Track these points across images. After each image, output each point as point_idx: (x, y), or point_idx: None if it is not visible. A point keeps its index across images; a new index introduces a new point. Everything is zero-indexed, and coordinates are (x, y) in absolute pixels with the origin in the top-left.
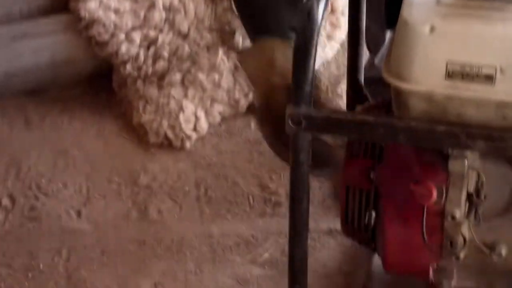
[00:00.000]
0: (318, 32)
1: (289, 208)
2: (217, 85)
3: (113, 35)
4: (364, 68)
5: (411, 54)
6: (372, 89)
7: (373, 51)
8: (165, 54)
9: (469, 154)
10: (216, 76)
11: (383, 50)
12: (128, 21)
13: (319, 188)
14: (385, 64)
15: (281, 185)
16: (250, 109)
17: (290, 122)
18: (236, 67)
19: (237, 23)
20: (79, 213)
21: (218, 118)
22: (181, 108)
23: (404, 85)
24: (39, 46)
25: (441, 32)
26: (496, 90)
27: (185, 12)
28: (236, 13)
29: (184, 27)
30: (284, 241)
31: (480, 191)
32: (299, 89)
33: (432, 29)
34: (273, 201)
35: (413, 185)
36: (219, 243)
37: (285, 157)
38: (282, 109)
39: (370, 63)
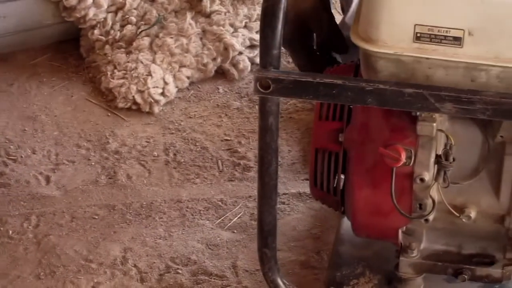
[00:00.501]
0: None
1: (258, 172)
2: (185, 50)
3: (80, 0)
4: None
5: (379, 17)
6: None
7: (345, 10)
8: (133, 19)
9: (438, 117)
10: (184, 41)
11: (353, 9)
12: None
13: (288, 151)
14: (353, 27)
15: (250, 149)
16: (218, 73)
17: (258, 85)
18: (204, 32)
19: None
20: (48, 179)
21: (186, 83)
22: (149, 73)
23: (372, 48)
24: (7, 11)
25: None
26: (464, 52)
27: None
28: None
29: None
30: (253, 205)
31: (449, 154)
32: (267, 53)
33: None
34: (242, 165)
35: (382, 147)
36: (188, 208)
37: (299, 60)
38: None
39: (342, 22)
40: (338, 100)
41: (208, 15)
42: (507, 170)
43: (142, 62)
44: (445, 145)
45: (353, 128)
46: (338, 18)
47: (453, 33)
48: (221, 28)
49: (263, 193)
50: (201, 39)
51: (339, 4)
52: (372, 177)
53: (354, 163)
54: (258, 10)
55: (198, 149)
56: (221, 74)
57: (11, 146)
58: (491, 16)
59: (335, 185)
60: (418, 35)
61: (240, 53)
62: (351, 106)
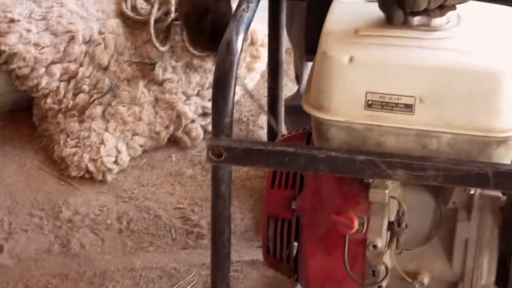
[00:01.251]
0: (238, 64)
1: (211, 240)
2: (138, 118)
3: (33, 69)
4: (290, 97)
5: (331, 85)
6: (296, 119)
7: (300, 79)
8: (86, 87)
9: (390, 183)
10: (137, 109)
11: (305, 79)
12: (48, 55)
13: (241, 219)
14: (305, 95)
15: (203, 217)
16: (171, 141)
17: (210, 153)
18: (156, 100)
19: (157, 56)
20: (1, 248)
21: (139, 151)
22: (102, 141)
23: (324, 116)
24: None
25: (360, 63)
26: (415, 119)
27: (105, 45)
28: None
29: (104, 60)
30: (206, 273)
31: (401, 220)
32: (219, 121)
33: (351, 60)
34: (195, 233)
35: (334, 215)
36: (142, 276)
37: (202, 44)
38: None
39: (297, 92)
40: (290, 167)
41: (160, 83)
42: (459, 236)
43: (95, 131)
44: (398, 211)
45: (305, 196)
46: (290, 86)
47: (404, 100)
48: (174, 96)
49: (216, 261)
50: (153, 107)
51: (294, 73)
52: (325, 244)
53: (307, 231)
54: (210, 78)
55: (151, 217)
56: (173, 142)
57: None
58: (441, 83)
59: (288, 253)
60: (370, 102)
61: (193, 121)
62: (303, 174)
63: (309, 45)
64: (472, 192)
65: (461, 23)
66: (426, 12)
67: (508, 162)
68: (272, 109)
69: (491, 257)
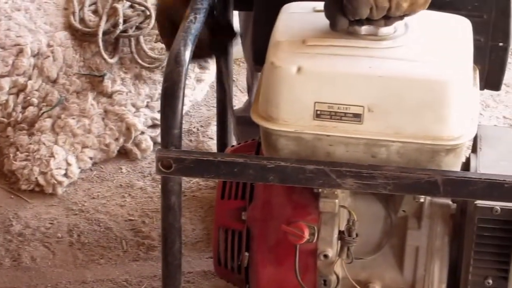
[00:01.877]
0: (186, 75)
1: (162, 252)
2: (88, 131)
3: None
4: (240, 108)
5: (279, 95)
6: (246, 130)
7: (251, 90)
8: (35, 100)
9: (340, 193)
10: (86, 122)
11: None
12: None
13: (192, 230)
14: (254, 106)
15: (154, 228)
16: (121, 153)
17: (160, 165)
18: (106, 112)
19: (106, 68)
20: None
21: (89, 163)
22: (52, 154)
23: (272, 127)
24: None
25: (308, 73)
26: (364, 128)
27: (54, 58)
28: None
29: (53, 73)
30: (158, 285)
31: (351, 230)
32: (168, 132)
33: (299, 70)
34: (146, 244)
35: (285, 225)
36: None
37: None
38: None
39: (248, 103)
40: (240, 178)
41: (109, 95)
42: (410, 244)
43: (44, 144)
44: (348, 221)
45: (255, 206)
46: (240, 97)
47: (353, 110)
48: (123, 108)
49: (168, 273)
50: (103, 119)
51: (243, 84)
52: (276, 254)
53: (258, 241)
54: (159, 90)
55: (102, 230)
56: (123, 154)
57: None
58: (389, 92)
59: (239, 264)
60: (318, 112)
61: (142, 132)
62: (253, 184)
63: (257, 56)
64: (422, 200)
65: (408, 32)
66: (372, 22)
67: (458, 169)
68: (221, 120)
69: (442, 264)
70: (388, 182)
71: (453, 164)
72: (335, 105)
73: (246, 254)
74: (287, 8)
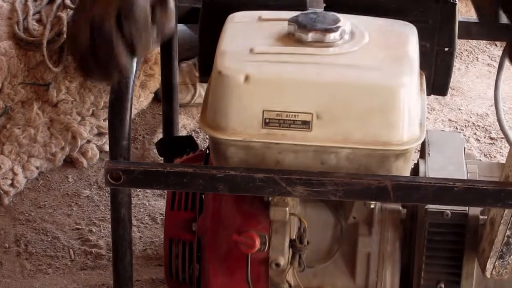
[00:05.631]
0: (133, 86)
1: (112, 264)
2: (33, 140)
3: None
4: None
5: (227, 104)
6: None
7: None
8: None
9: (290, 201)
10: (32, 131)
11: None
12: None
13: (139, 238)
14: (202, 115)
15: (101, 237)
16: (67, 162)
17: (109, 177)
18: (51, 121)
19: (51, 77)
20: None
21: (35, 173)
22: None
23: (221, 136)
24: None
25: (256, 81)
26: (313, 135)
27: None
28: None
29: None
30: None
31: (302, 237)
32: (117, 144)
33: (247, 78)
34: (94, 253)
35: (236, 235)
36: None
37: (97, 76)
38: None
39: None
40: (189, 188)
41: (55, 105)
42: (361, 250)
43: None
44: (299, 228)
45: (206, 217)
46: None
47: (302, 117)
48: (69, 117)
49: (119, 285)
50: (48, 128)
51: None
52: (228, 264)
53: (209, 252)
54: (105, 98)
55: (49, 239)
56: (70, 163)
57: None
58: (337, 99)
59: (190, 274)
60: (267, 120)
61: (88, 141)
62: (203, 195)
63: (203, 66)
64: (372, 206)
65: (354, 38)
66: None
67: (407, 174)
68: (167, 132)
69: (394, 270)
70: (338, 188)
71: (403, 169)
72: (283, 112)
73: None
74: (232, 18)
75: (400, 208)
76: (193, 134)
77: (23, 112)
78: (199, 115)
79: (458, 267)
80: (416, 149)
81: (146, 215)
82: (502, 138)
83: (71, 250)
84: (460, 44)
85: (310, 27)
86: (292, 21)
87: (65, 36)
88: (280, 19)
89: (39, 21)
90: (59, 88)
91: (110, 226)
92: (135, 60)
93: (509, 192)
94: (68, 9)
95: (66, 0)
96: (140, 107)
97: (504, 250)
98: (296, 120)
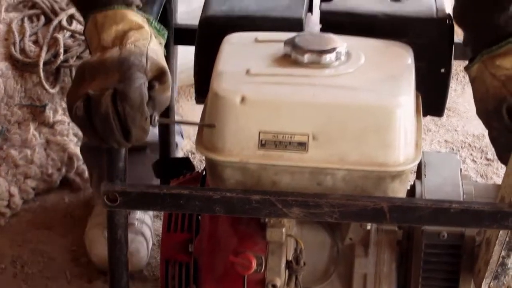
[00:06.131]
0: None
1: (109, 286)
2: (30, 161)
3: None
4: None
5: (223, 126)
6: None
7: None
8: None
9: (286, 222)
10: (28, 152)
11: None
12: None
13: None
14: (198, 136)
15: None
16: (64, 183)
17: (105, 199)
18: (48, 142)
19: (47, 98)
20: None
21: (32, 194)
22: None
23: (217, 157)
24: None
25: (252, 102)
26: (309, 157)
27: None
28: None
29: None
30: None
31: (299, 258)
32: (113, 166)
33: (243, 100)
34: (90, 275)
35: (232, 256)
36: None
37: (95, 142)
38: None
39: None
40: (186, 210)
41: (51, 126)
42: (358, 272)
43: None
44: (295, 249)
45: (202, 238)
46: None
47: (298, 138)
48: (65, 138)
49: None
50: (45, 149)
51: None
52: (224, 285)
53: (205, 273)
54: None
55: (45, 260)
56: (66, 184)
57: None
58: (333, 120)
59: None
60: (263, 142)
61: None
62: (199, 216)
63: (199, 87)
64: (368, 227)
65: (351, 60)
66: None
67: (403, 195)
68: (164, 154)
69: None
70: (334, 210)
71: (399, 191)
72: (279, 134)
73: (194, 286)
74: (229, 39)
75: (396, 229)
76: (190, 155)
77: (20, 133)
78: (195, 136)
79: None
80: (412, 170)
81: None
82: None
83: (67, 271)
84: (456, 65)
85: (306, 49)
86: (288, 42)
87: (61, 57)
88: (276, 41)
89: (36, 42)
90: (56, 109)
91: None
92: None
93: (505, 213)
94: (65, 30)
95: (63, 21)
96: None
97: (499, 270)
98: (292, 142)
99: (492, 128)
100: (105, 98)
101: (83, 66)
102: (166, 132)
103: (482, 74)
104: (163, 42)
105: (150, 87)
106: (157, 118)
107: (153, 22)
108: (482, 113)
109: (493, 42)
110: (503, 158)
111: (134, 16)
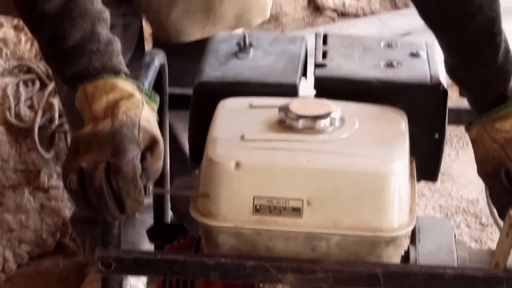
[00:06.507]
0: None
1: None
2: (24, 226)
3: None
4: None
5: (218, 191)
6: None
7: None
8: None
9: (281, 287)
10: (23, 217)
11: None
12: None
13: None
14: (193, 202)
15: None
16: (58, 247)
17: (100, 264)
18: (42, 207)
19: (42, 163)
20: None
21: (26, 258)
22: None
23: (212, 223)
24: None
25: (247, 168)
26: (304, 222)
27: None
28: None
29: None
30: None
31: None
32: (108, 232)
33: (238, 165)
34: None
35: None
36: None
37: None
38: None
39: None
40: (180, 275)
41: (46, 190)
42: None
43: None
44: None
45: None
46: None
47: (292, 203)
48: (60, 203)
49: None
50: (39, 214)
51: None
52: None
53: None
54: None
55: None
56: (61, 248)
57: None
58: (327, 185)
59: None
60: (258, 207)
61: None
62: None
63: (194, 152)
64: None
65: (345, 125)
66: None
67: (398, 261)
68: (158, 219)
69: None
70: (329, 276)
71: (393, 256)
72: (274, 199)
73: None
74: (223, 104)
75: None
76: None
77: (14, 198)
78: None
79: None
80: (406, 235)
81: None
82: (492, 224)
83: None
84: (450, 130)
85: (301, 114)
86: (282, 108)
87: (56, 122)
88: (270, 106)
89: (31, 107)
90: (50, 174)
91: None
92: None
93: (499, 279)
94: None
95: None
96: None
97: None
98: (287, 207)
99: (493, 189)
100: (99, 172)
101: (77, 138)
102: (159, 198)
103: (481, 137)
104: (156, 107)
105: (142, 158)
106: (151, 188)
107: (144, 88)
108: (482, 174)
109: (490, 102)
110: (504, 218)
111: (125, 85)
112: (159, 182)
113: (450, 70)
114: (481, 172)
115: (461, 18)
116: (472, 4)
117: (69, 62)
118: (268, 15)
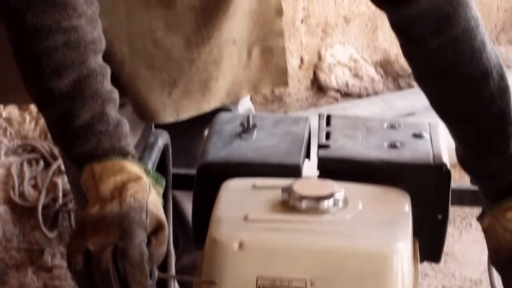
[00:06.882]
0: None
1: None
2: None
3: None
4: None
5: (221, 271)
6: None
7: None
8: None
9: None
10: None
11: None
12: None
13: None
14: (196, 283)
15: None
16: None
17: None
18: (45, 286)
19: (45, 242)
20: None
21: None
22: None
23: None
24: None
25: (250, 248)
26: None
27: None
28: None
29: None
30: None
31: None
32: None
33: (241, 245)
34: None
35: None
36: None
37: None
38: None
39: None
40: None
41: (49, 270)
42: None
43: None
44: None
45: None
46: None
47: (295, 284)
48: (63, 282)
49: None
50: None
51: None
52: None
53: None
54: None
55: None
56: None
57: None
58: (330, 266)
59: None
60: (261, 287)
61: None
62: None
63: (197, 233)
64: None
65: (348, 206)
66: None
67: None
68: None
69: None
70: None
71: None
72: (277, 279)
73: None
74: (227, 185)
75: None
76: None
77: (18, 277)
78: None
79: None
80: None
81: None
82: None
83: None
84: (454, 210)
85: (304, 195)
86: (285, 189)
87: (60, 202)
88: (274, 187)
89: (35, 186)
90: (54, 253)
91: None
92: None
93: None
94: (64, 175)
95: (62, 165)
96: None
97: None
98: (290, 287)
99: (506, 277)
100: (106, 255)
101: (83, 219)
102: (163, 281)
103: (493, 227)
104: (161, 191)
105: (148, 242)
106: (156, 273)
107: (151, 171)
108: (495, 263)
109: (501, 192)
110: None
111: (132, 167)
112: (163, 264)
113: (463, 162)
114: (494, 262)
115: (474, 110)
116: (485, 96)
117: (78, 141)
118: (261, 91)
